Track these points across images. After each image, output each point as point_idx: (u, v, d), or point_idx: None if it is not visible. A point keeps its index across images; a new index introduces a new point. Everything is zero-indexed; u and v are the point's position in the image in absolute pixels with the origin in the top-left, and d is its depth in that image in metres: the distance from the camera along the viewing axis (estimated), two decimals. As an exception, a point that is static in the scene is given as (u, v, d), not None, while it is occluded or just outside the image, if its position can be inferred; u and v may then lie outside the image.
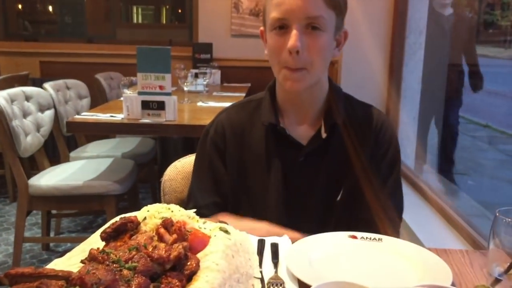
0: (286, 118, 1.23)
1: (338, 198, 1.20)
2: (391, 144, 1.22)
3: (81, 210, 3.23)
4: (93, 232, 0.89)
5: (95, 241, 0.83)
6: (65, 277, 0.62)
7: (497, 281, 0.84)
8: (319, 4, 1.07)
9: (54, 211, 3.10)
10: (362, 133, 1.21)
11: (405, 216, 2.26)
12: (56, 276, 0.62)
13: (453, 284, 0.86)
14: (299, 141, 1.20)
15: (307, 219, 1.21)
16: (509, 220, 0.83)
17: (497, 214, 0.85)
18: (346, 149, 1.18)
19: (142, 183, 3.74)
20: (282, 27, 1.09)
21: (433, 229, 2.18)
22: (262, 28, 1.19)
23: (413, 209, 2.40)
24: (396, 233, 1.16)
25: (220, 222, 0.93)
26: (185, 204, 1.27)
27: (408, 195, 2.58)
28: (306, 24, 1.07)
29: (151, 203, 0.92)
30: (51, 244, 3.09)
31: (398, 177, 1.24)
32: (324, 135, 1.19)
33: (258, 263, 0.91)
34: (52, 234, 3.13)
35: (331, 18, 1.10)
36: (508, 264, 0.83)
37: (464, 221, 2.10)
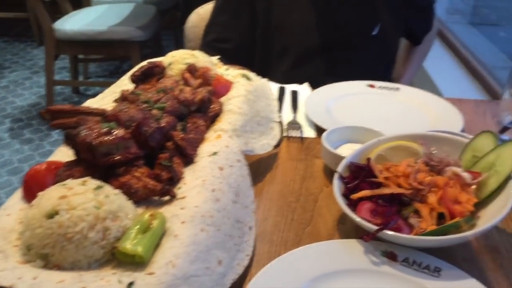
0: None
1: (375, 32, 1.25)
2: None
3: (106, 55, 3.28)
4: (120, 77, 0.93)
5: (124, 84, 0.88)
6: (101, 114, 0.68)
7: (505, 129, 0.88)
8: None
9: (81, 56, 3.17)
10: None
11: (427, 66, 2.24)
12: (92, 113, 0.68)
13: (463, 131, 0.90)
14: None
15: (342, 52, 1.25)
16: (527, 71, 0.84)
17: (516, 65, 0.85)
18: None
19: (165, 30, 3.71)
20: None
21: (455, 79, 2.17)
22: None
23: (437, 59, 2.36)
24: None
25: (242, 68, 0.97)
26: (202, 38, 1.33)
27: (434, 46, 2.52)
28: None
29: (174, 50, 0.95)
30: (81, 88, 3.22)
31: None
32: None
33: (277, 108, 0.96)
34: (81, 79, 3.24)
35: None
36: (519, 113, 0.86)
37: (487, 72, 2.08)
